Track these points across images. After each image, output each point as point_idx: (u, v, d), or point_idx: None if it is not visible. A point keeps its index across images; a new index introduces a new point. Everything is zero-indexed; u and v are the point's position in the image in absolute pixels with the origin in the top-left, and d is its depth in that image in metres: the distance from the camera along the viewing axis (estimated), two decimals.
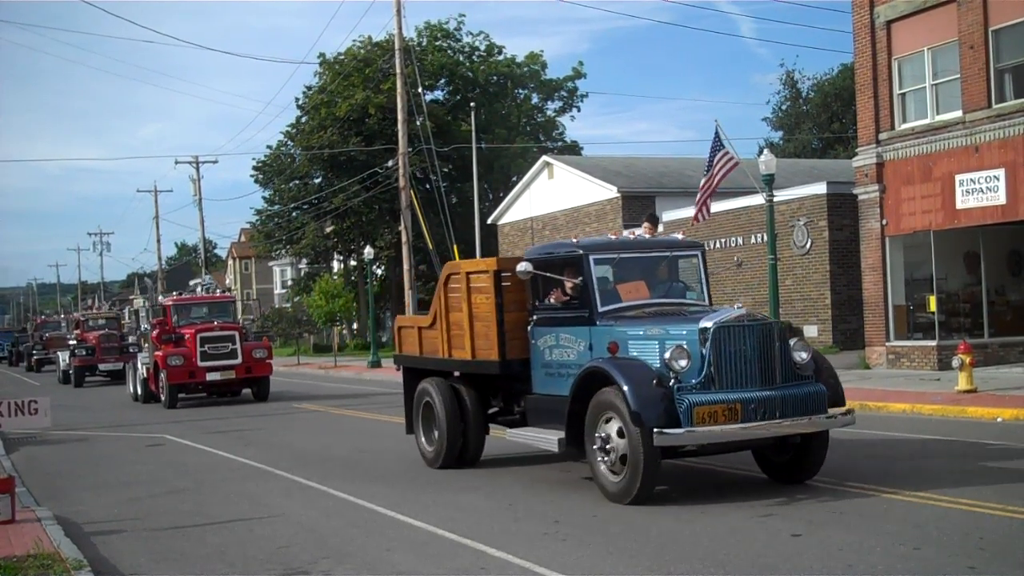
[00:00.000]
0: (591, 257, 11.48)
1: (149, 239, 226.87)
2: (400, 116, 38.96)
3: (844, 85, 59.23)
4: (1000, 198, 21.29)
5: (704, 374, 10.12)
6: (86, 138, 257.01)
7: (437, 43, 58.70)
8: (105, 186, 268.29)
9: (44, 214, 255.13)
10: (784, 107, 68.49)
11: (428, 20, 63.09)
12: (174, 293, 33.18)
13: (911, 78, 23.63)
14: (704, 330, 10.19)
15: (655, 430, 9.85)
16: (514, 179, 53.02)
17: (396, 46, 39.10)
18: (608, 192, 39.73)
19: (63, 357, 41.64)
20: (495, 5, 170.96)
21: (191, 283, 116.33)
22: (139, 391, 28.99)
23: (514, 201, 47.40)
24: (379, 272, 56.43)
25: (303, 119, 58.07)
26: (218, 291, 37.05)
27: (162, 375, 26.19)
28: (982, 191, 21.64)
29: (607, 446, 10.44)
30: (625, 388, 10.02)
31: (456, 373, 13.51)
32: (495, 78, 59.47)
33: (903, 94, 23.77)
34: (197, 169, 62.59)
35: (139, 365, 28.80)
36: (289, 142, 59.90)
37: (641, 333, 10.76)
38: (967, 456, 12.65)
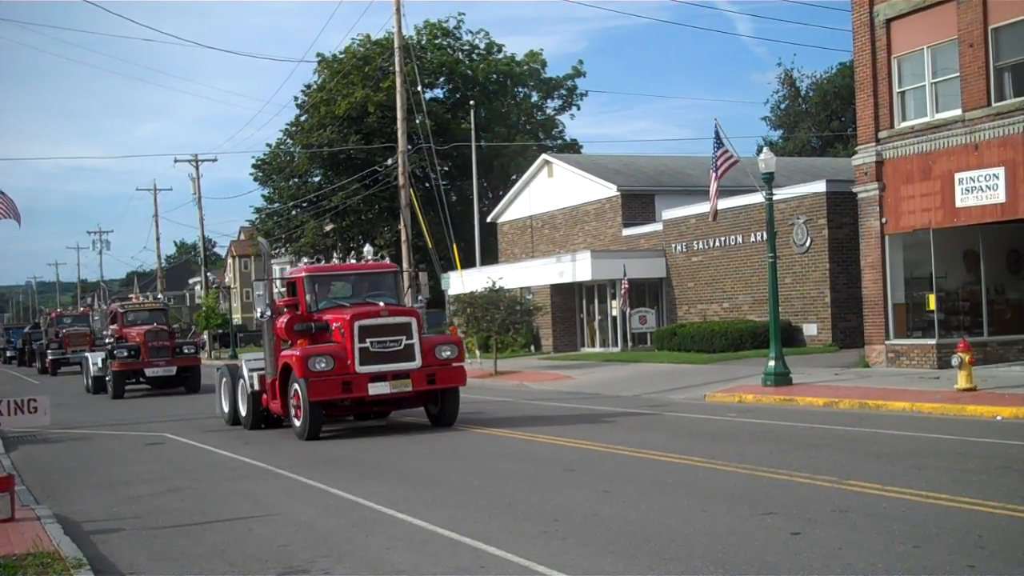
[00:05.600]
0: None
1: (148, 237, 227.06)
2: (399, 114, 38.93)
3: (843, 83, 59.25)
4: (999, 196, 21.29)
5: None
6: (85, 137, 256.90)
7: (436, 41, 58.74)
8: (104, 185, 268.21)
9: (43, 213, 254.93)
10: (783, 106, 68.53)
11: (427, 19, 63.27)
12: (304, 261, 22.54)
13: (911, 76, 23.61)
14: None
15: None
16: (513, 177, 53.05)
17: (395, 44, 39.09)
18: (607, 190, 39.73)
19: (94, 360, 33.46)
20: (494, 4, 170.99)
21: (191, 281, 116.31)
22: (242, 409, 20.09)
23: (514, 199, 47.40)
24: None
25: (302, 117, 58.11)
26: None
27: (297, 386, 17.34)
28: (981, 189, 21.64)
29: None
30: None
31: None
32: (495, 76, 59.50)
33: (902, 92, 23.76)
34: (196, 167, 62.59)
35: (245, 371, 19.78)
36: (289, 140, 59.95)
37: None
38: (966, 454, 12.65)
